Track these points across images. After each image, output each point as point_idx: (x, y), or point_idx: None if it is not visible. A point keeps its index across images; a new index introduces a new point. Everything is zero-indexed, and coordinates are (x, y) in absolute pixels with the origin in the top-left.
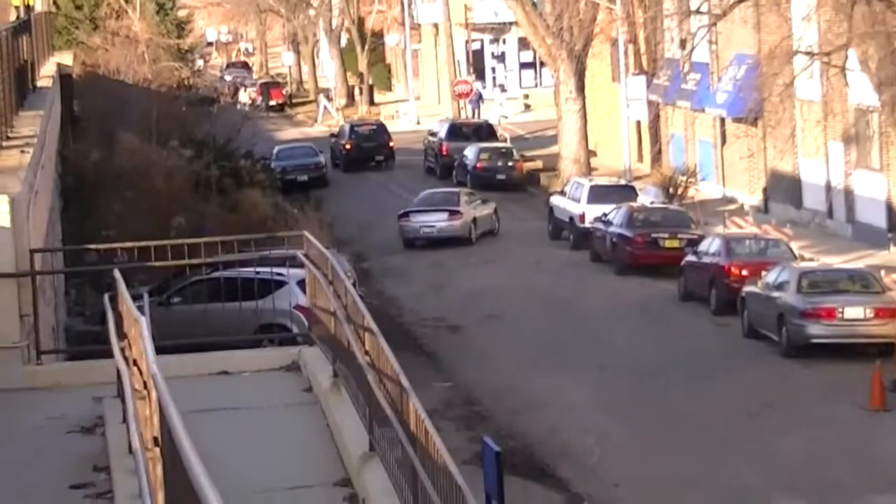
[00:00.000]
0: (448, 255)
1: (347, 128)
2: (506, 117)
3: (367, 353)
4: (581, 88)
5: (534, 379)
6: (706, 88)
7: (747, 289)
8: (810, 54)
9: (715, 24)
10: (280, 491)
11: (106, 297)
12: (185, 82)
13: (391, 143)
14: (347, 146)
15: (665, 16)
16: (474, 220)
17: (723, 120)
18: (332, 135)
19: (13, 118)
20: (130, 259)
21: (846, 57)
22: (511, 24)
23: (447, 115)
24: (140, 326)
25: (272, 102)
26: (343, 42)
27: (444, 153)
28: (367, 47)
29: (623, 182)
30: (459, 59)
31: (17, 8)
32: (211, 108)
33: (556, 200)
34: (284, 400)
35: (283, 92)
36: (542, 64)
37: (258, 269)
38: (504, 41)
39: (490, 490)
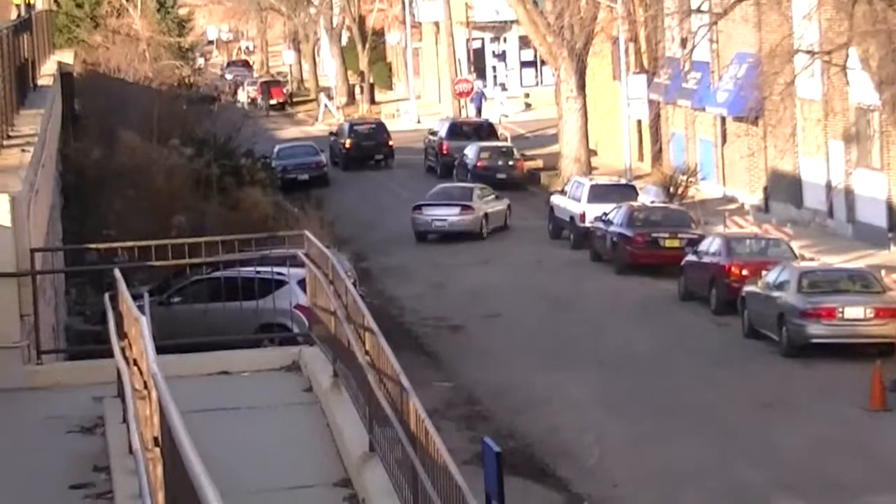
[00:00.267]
0: (449, 254)
1: (347, 126)
2: (506, 116)
3: (367, 352)
4: (582, 87)
5: (534, 378)
6: (707, 87)
7: (747, 288)
8: (811, 53)
9: (716, 22)
10: (280, 491)
11: (106, 296)
12: (186, 81)
13: (390, 142)
14: (347, 145)
15: (666, 14)
16: (486, 215)
17: (723, 119)
18: (332, 133)
19: (14, 117)
20: (131, 258)
21: (847, 55)
22: (512, 22)
23: (448, 114)
24: (140, 326)
25: (273, 101)
26: (344, 40)
27: (445, 152)
28: (367, 46)
29: (623, 181)
30: (460, 57)
31: (17, 6)
32: (212, 106)
33: (556, 200)
34: (285, 400)
35: (284, 90)
36: (542, 62)
37: (258, 269)
38: (505, 40)
39: (490, 490)
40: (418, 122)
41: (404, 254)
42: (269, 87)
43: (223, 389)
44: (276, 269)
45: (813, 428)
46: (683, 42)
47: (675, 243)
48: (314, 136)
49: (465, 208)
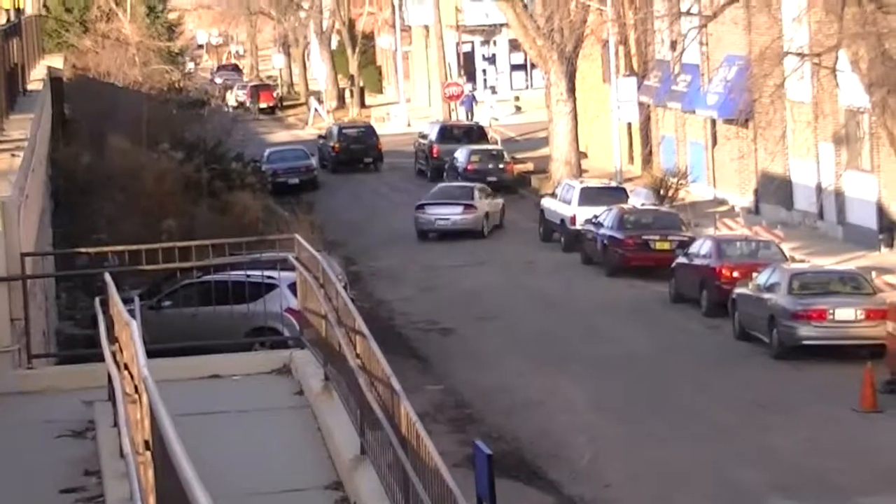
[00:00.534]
0: (439, 257)
1: (336, 129)
2: (496, 119)
3: (358, 356)
4: (572, 90)
5: (525, 381)
6: (697, 90)
7: (738, 290)
8: (801, 55)
9: (705, 25)
10: (271, 494)
11: (97, 300)
12: (176, 85)
13: (379, 145)
14: (336, 148)
15: (656, 17)
16: (486, 214)
17: (714, 121)
18: (321, 136)
19: (4, 121)
20: (121, 262)
21: (836, 58)
22: (502, 25)
23: (438, 118)
24: (131, 330)
25: (262, 105)
26: (334, 44)
27: (435, 155)
28: (357, 49)
29: (614, 184)
30: (450, 61)
31: (6, 11)
32: (201, 110)
33: (547, 202)
34: (275, 403)
35: (274, 94)
36: (532, 66)
37: (249, 273)
38: (495, 43)
39: (482, 493)
40: (408, 125)
41: (395, 257)
42: (258, 90)
43: (214, 393)
44: (266, 273)
45: (804, 430)
46: (673, 45)
47: (666, 246)
48: (304, 139)
49: (468, 207)
